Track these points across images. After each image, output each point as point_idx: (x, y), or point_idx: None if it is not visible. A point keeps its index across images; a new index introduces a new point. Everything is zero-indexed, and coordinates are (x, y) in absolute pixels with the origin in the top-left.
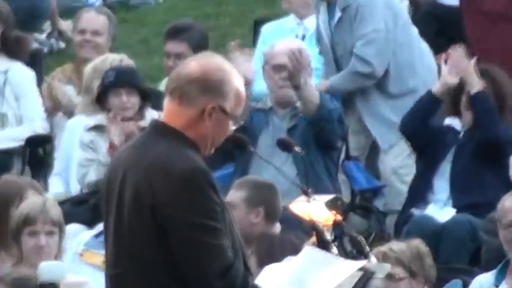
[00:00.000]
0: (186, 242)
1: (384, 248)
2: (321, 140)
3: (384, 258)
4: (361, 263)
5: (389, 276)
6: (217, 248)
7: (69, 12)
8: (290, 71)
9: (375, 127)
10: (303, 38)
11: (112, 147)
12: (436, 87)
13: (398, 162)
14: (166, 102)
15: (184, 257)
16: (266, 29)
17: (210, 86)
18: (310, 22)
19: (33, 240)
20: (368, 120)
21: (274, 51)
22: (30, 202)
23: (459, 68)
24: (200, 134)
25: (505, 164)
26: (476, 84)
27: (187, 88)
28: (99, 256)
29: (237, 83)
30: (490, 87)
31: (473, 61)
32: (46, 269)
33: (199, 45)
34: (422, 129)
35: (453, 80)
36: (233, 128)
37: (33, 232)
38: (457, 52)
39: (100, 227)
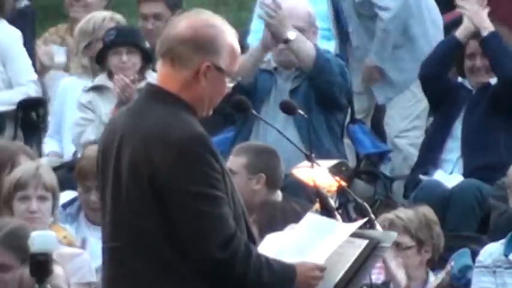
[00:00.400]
0: (186, 211)
1: (390, 215)
2: (325, 97)
3: (390, 225)
4: (359, 223)
5: (397, 245)
6: (219, 217)
7: None
8: (269, 25)
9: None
10: None
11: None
12: (459, 31)
13: (406, 124)
14: (159, 65)
15: (185, 228)
16: None
17: (202, 45)
18: None
19: (25, 205)
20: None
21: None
22: (23, 167)
23: (470, 11)
24: (197, 95)
25: None
26: (488, 26)
27: (179, 49)
28: (62, 230)
29: (230, 38)
30: None
31: (486, 10)
32: (38, 238)
33: (176, 4)
34: (441, 74)
35: (473, 25)
36: (230, 85)
37: (24, 197)
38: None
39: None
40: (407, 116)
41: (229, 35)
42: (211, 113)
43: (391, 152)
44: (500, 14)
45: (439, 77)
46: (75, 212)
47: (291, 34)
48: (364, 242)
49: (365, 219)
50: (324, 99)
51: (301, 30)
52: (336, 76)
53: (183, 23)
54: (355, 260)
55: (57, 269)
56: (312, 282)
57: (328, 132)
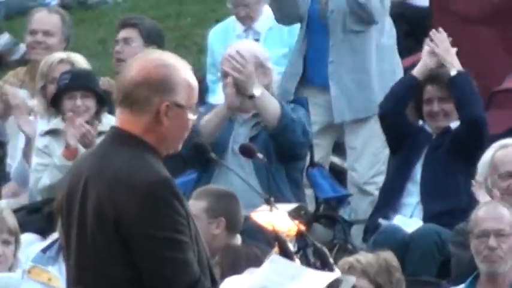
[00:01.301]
0: (151, 257)
1: (351, 258)
2: (284, 152)
3: (350, 269)
4: (334, 275)
5: None
6: (184, 262)
7: (25, 13)
8: (234, 79)
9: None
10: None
11: (68, 149)
12: (416, 69)
13: (375, 171)
14: (118, 112)
15: (150, 273)
16: (212, 37)
17: (157, 85)
18: (260, 24)
19: None
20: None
21: (224, 56)
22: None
23: (440, 48)
24: (160, 136)
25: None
26: (456, 64)
27: (135, 94)
28: (46, 273)
29: (184, 73)
30: None
31: (454, 49)
32: (0, 281)
33: (150, 35)
34: (400, 112)
35: (432, 62)
36: (192, 117)
37: None
38: (440, 34)
39: (50, 238)
40: (376, 162)
41: (183, 70)
42: (179, 148)
43: (350, 196)
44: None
45: (397, 114)
46: (55, 254)
47: (257, 90)
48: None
49: (336, 273)
50: (284, 155)
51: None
52: (299, 136)
53: (135, 67)
54: None
55: None
56: None
57: (288, 182)
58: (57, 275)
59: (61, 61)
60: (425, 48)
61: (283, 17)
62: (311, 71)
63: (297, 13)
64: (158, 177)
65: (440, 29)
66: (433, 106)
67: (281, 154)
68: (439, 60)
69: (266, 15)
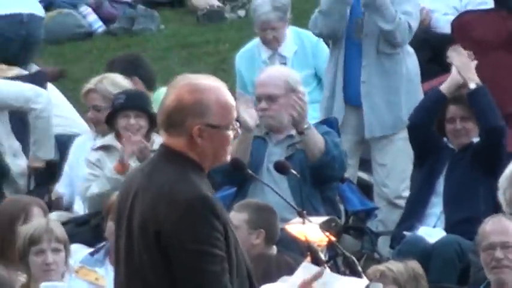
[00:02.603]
0: (186, 267)
1: (382, 266)
2: (321, 181)
3: (381, 277)
4: (363, 281)
5: None
6: (215, 274)
7: (73, 39)
8: (295, 119)
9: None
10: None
11: (121, 164)
12: (444, 85)
13: (404, 186)
14: (161, 134)
15: (185, 283)
16: (239, 61)
17: (187, 111)
18: (286, 49)
19: (41, 259)
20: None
21: (257, 81)
22: (34, 223)
23: (459, 63)
24: (201, 153)
25: (498, 175)
26: (475, 79)
27: (169, 120)
28: (93, 273)
29: (216, 94)
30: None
31: (474, 62)
32: None
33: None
34: (428, 124)
35: (460, 78)
36: (231, 134)
37: (39, 251)
38: (459, 49)
39: (79, 248)
40: (405, 178)
41: (215, 91)
42: (227, 159)
43: (377, 209)
44: (481, 77)
45: (425, 127)
46: (102, 257)
47: (307, 127)
48: None
49: (366, 280)
50: (319, 182)
51: (276, 97)
52: (337, 171)
53: (171, 92)
54: None
55: None
56: None
57: (322, 200)
58: (104, 275)
59: (88, 91)
60: (453, 67)
61: (329, 32)
62: (345, 90)
63: (342, 30)
64: (198, 194)
65: (456, 46)
66: (456, 125)
67: (317, 181)
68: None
69: (290, 39)
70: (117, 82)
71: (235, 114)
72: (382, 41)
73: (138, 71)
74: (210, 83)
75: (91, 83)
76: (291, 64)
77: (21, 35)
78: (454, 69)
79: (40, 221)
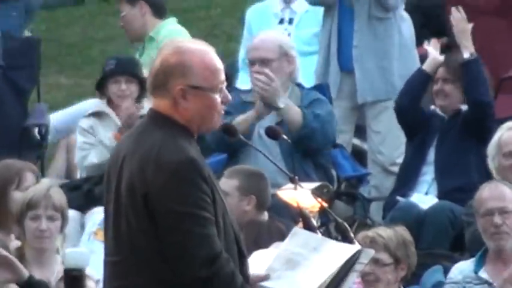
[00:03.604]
0: (173, 230)
1: (371, 233)
2: (304, 152)
3: (371, 243)
4: (355, 247)
5: (376, 261)
6: (204, 236)
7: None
8: (263, 97)
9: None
10: (290, 21)
11: (120, 132)
12: (426, 64)
13: (398, 153)
14: (150, 98)
15: (172, 245)
16: (250, 14)
17: (170, 72)
18: (298, 5)
19: (35, 224)
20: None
21: (249, 46)
22: (35, 187)
23: (457, 28)
24: (186, 116)
25: (488, 143)
26: (470, 47)
27: (154, 82)
28: None
29: (199, 56)
30: None
31: (470, 25)
32: (71, 255)
33: None
34: (414, 106)
35: (440, 57)
36: (219, 98)
37: (35, 216)
38: (459, 14)
39: (94, 211)
40: (400, 144)
41: (198, 53)
42: (215, 126)
43: (369, 175)
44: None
45: (412, 109)
46: None
47: (281, 103)
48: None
49: (358, 245)
50: (305, 153)
51: (269, 61)
52: (318, 143)
53: (157, 59)
54: (336, 274)
55: (90, 284)
56: None
57: (315, 169)
58: None
59: None
60: (431, 44)
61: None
62: (338, 56)
63: None
64: (185, 157)
65: (460, 9)
66: (438, 85)
67: (303, 151)
68: (446, 56)
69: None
70: None
71: (222, 78)
72: (374, 5)
73: None
74: (196, 46)
75: None
76: (299, 20)
77: None
78: (431, 49)
79: (41, 186)
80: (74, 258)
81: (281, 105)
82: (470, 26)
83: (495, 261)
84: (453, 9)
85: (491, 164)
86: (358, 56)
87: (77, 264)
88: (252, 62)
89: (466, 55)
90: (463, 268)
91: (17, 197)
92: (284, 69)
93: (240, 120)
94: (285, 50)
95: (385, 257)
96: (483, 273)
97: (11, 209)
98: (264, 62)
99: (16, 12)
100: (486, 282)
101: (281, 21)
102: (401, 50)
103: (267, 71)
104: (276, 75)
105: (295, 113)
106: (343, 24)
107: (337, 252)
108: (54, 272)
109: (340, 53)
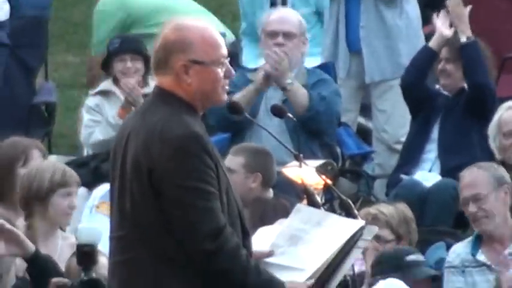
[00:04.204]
0: (178, 203)
1: (373, 210)
2: (309, 132)
3: (374, 219)
4: (359, 222)
5: (378, 238)
6: (209, 210)
7: None
8: (273, 74)
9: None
10: (284, 2)
11: (124, 109)
12: (432, 41)
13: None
14: (154, 76)
15: (176, 219)
16: None
17: (171, 48)
18: None
19: (67, 201)
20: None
21: (270, 19)
22: (55, 165)
23: (453, 14)
24: (189, 92)
25: (490, 121)
26: (467, 31)
27: (156, 60)
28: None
29: (198, 31)
30: None
31: (468, 8)
32: (84, 231)
33: None
34: (419, 83)
35: (447, 32)
36: (221, 71)
37: (67, 193)
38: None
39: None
40: (404, 123)
41: (198, 29)
42: (221, 100)
43: (374, 153)
44: (476, 23)
45: (417, 85)
46: None
47: (290, 83)
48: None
49: (362, 221)
50: (311, 133)
51: (293, 36)
52: (323, 125)
53: (159, 37)
54: (340, 250)
55: (102, 259)
56: None
57: (320, 147)
58: None
59: None
60: (439, 20)
61: None
62: (346, 36)
63: None
64: (189, 132)
65: None
66: (441, 65)
67: (307, 132)
68: (453, 30)
69: None
70: None
71: (223, 52)
72: None
73: None
74: (195, 23)
75: None
76: (292, 1)
77: None
78: (438, 23)
79: (59, 163)
80: (87, 234)
81: (288, 86)
82: (467, 10)
83: (490, 242)
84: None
85: (493, 144)
86: (365, 37)
87: (89, 240)
88: (274, 34)
89: (463, 39)
90: (460, 251)
91: (33, 173)
92: (300, 48)
93: (239, 96)
94: (304, 30)
95: (387, 233)
96: (480, 256)
97: (17, 186)
98: (288, 35)
99: None
100: (484, 264)
101: (273, 4)
102: (407, 31)
103: (287, 47)
104: (292, 53)
105: (301, 94)
106: (350, 6)
107: (340, 227)
108: (57, 246)
109: (348, 34)
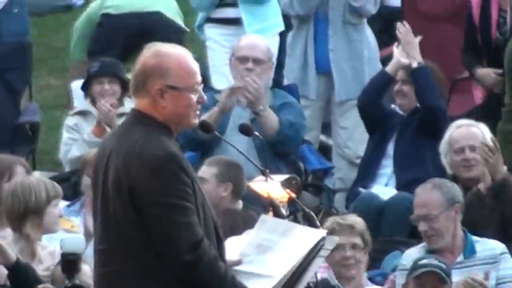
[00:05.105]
0: (158, 219)
1: (345, 220)
2: (278, 153)
3: (350, 228)
4: (321, 232)
5: (354, 246)
6: (187, 224)
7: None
8: (249, 100)
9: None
10: None
11: (98, 128)
12: (389, 66)
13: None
14: (133, 99)
15: (157, 233)
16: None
17: (149, 72)
18: None
19: (57, 211)
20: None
21: (240, 44)
22: (44, 180)
23: (404, 41)
24: (165, 114)
25: (441, 139)
26: (418, 57)
27: (135, 82)
28: (69, 222)
29: (176, 58)
30: None
31: (418, 38)
32: (68, 241)
33: None
34: (376, 104)
35: (405, 61)
36: (194, 97)
37: (56, 204)
38: (405, 28)
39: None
40: (364, 140)
41: (175, 56)
42: (193, 123)
43: (333, 168)
44: (429, 47)
45: (373, 106)
46: (78, 209)
47: (263, 108)
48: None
49: (324, 230)
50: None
51: (261, 62)
52: (289, 148)
53: (138, 62)
54: (304, 258)
55: (85, 267)
56: None
57: (285, 164)
58: (79, 224)
59: None
60: (395, 49)
61: (306, 13)
62: (315, 58)
63: (316, 5)
64: (166, 153)
65: (405, 23)
66: (398, 86)
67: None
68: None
69: None
70: None
71: (198, 79)
72: (349, 12)
73: None
74: (174, 50)
75: None
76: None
77: None
78: (396, 52)
79: (45, 178)
80: (71, 243)
81: (261, 112)
82: (417, 39)
83: (442, 252)
84: (398, 24)
85: (444, 160)
86: (334, 59)
87: (73, 249)
88: (244, 59)
89: (414, 64)
90: (413, 255)
91: (27, 189)
92: (268, 73)
93: (206, 116)
94: (271, 55)
95: (359, 241)
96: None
97: (2, 200)
98: (257, 61)
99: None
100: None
101: None
102: (369, 53)
103: (255, 72)
104: (260, 78)
105: (272, 119)
106: (318, 30)
107: (304, 236)
108: (36, 256)
109: (316, 56)
